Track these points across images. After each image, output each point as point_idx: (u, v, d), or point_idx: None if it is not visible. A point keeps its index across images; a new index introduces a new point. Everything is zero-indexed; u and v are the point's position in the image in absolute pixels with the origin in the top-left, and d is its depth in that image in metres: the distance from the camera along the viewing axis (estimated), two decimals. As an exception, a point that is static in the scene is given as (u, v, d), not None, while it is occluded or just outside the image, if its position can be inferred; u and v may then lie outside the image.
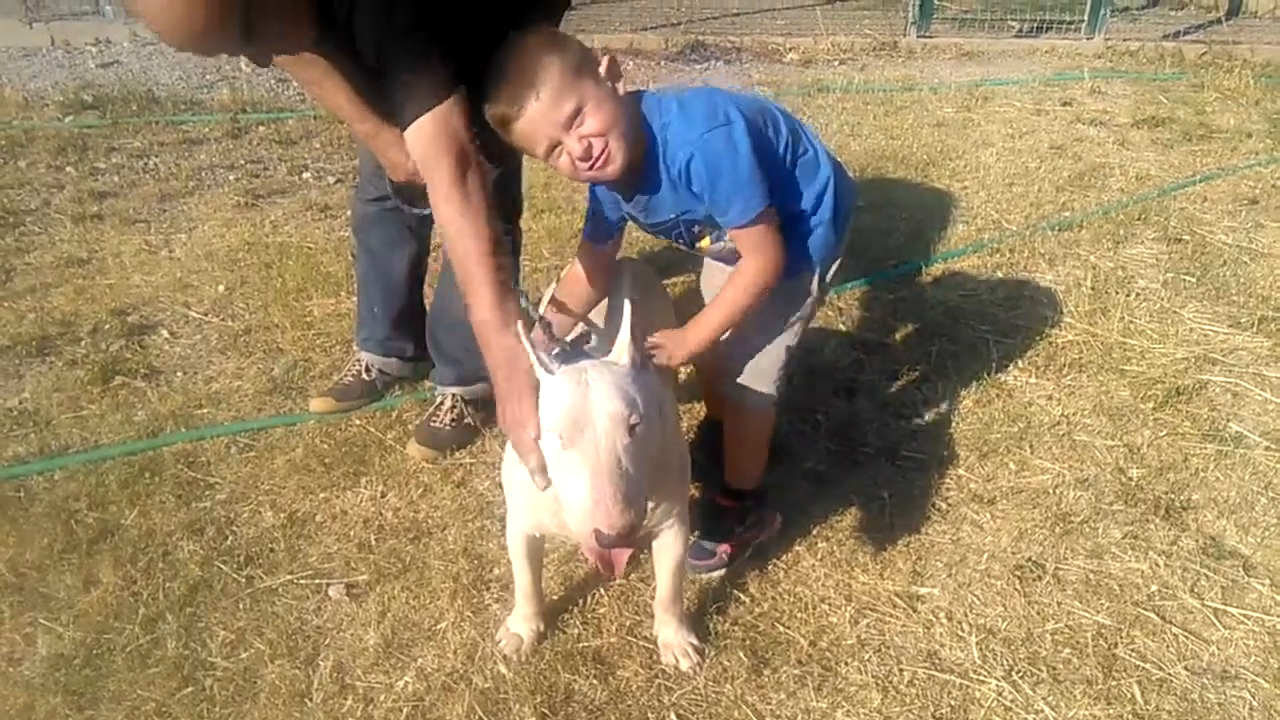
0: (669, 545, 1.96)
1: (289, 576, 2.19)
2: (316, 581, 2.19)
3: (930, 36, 6.92)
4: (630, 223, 2.04)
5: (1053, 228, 3.93)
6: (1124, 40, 6.91)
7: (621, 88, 1.80)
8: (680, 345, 1.93)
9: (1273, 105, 5.63)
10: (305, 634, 2.06)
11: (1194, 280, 3.52)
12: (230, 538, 2.30)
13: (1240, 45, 6.77)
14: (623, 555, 1.58)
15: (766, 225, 1.83)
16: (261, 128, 4.91)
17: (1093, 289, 3.44)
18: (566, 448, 1.51)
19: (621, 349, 1.67)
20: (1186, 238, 3.86)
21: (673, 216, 1.92)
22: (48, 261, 3.50)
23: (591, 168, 1.77)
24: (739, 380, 2.09)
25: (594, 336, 1.95)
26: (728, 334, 2.03)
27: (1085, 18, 6.98)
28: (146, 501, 2.40)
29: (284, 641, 2.03)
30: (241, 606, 2.12)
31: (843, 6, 8.16)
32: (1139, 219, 4.03)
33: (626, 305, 1.75)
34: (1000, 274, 3.58)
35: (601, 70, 1.76)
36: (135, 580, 2.17)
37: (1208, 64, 6.44)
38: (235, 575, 2.19)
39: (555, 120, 1.72)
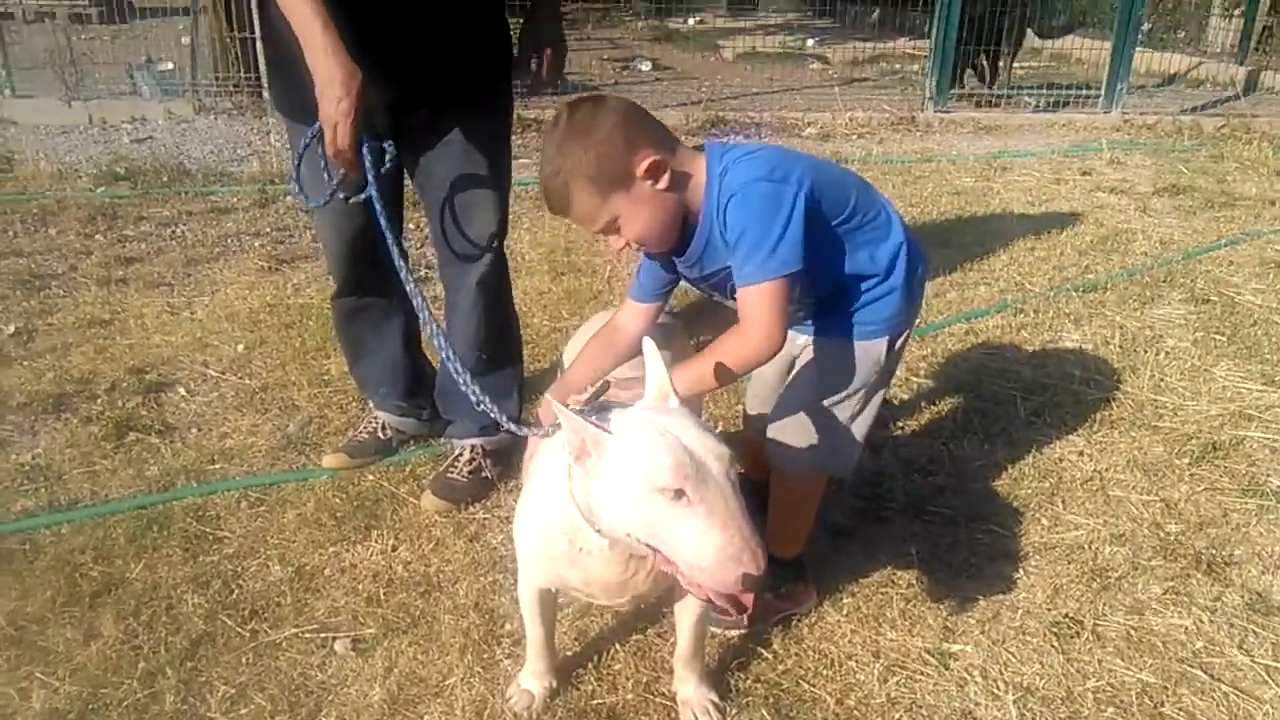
0: (690, 600, 1.87)
1: (294, 630, 2.12)
2: (322, 635, 2.11)
3: (947, 112, 7.00)
4: (680, 284, 2.02)
5: (1077, 289, 3.88)
6: (1141, 114, 6.97)
7: (665, 179, 1.76)
8: None
9: (1295, 175, 5.62)
10: (308, 689, 1.97)
11: (1224, 339, 3.45)
12: (236, 591, 2.24)
13: (1259, 118, 6.83)
14: (752, 595, 1.50)
15: (776, 296, 1.72)
16: (289, 197, 4.98)
17: (1121, 347, 3.38)
18: (691, 504, 1.42)
19: (664, 391, 1.62)
20: (1214, 299, 3.81)
21: (726, 266, 1.85)
22: (70, 323, 3.51)
23: (638, 250, 1.89)
24: (783, 441, 2.02)
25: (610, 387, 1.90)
26: (783, 394, 2.03)
27: (1102, 92, 7.04)
28: (153, 555, 2.34)
29: (285, 697, 1.95)
30: (244, 661, 2.04)
31: (860, 85, 8.31)
32: (1165, 281, 3.99)
33: (648, 344, 1.71)
34: (1025, 333, 3.52)
35: (639, 172, 1.74)
36: (137, 634, 2.10)
37: (1226, 136, 6.48)
38: (239, 629, 2.12)
39: (590, 230, 1.83)
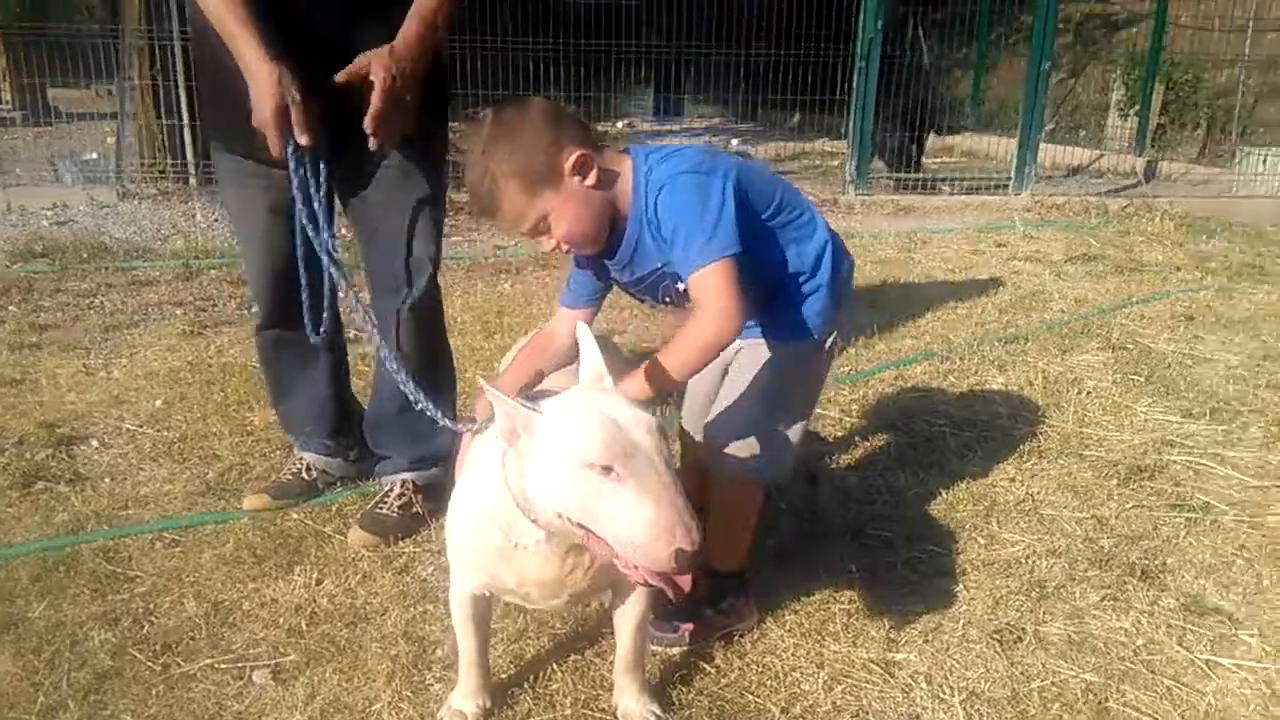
0: (631, 605, 1.81)
1: (208, 661, 1.99)
2: (239, 665, 1.99)
3: (868, 194, 7.26)
4: (612, 291, 2.02)
5: (999, 340, 3.98)
6: (1050, 195, 7.30)
7: (593, 176, 1.77)
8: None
9: (1196, 247, 5.92)
10: (223, 719, 1.85)
11: (1142, 379, 3.55)
12: (147, 627, 2.10)
13: (1160, 199, 7.19)
14: (689, 575, 1.45)
15: (725, 275, 1.72)
16: (214, 270, 4.91)
17: (1044, 389, 3.46)
18: (621, 479, 1.39)
19: (599, 374, 1.60)
20: (1130, 346, 3.94)
21: (657, 267, 1.87)
22: (-23, 383, 3.37)
23: (568, 252, 1.88)
24: (721, 448, 1.99)
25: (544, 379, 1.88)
26: (718, 400, 2.00)
27: (1011, 175, 7.39)
28: (58, 595, 2.20)
29: (199, 727, 1.82)
30: (154, 694, 1.91)
31: (786, 175, 8.57)
32: (1082, 333, 4.12)
33: (583, 329, 1.70)
34: (952, 378, 3.58)
35: (568, 167, 1.75)
36: (37, 670, 1.95)
37: (1131, 214, 6.81)
38: (149, 663, 1.99)
39: (519, 231, 1.82)
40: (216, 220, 5.98)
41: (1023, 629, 2.12)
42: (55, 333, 3.95)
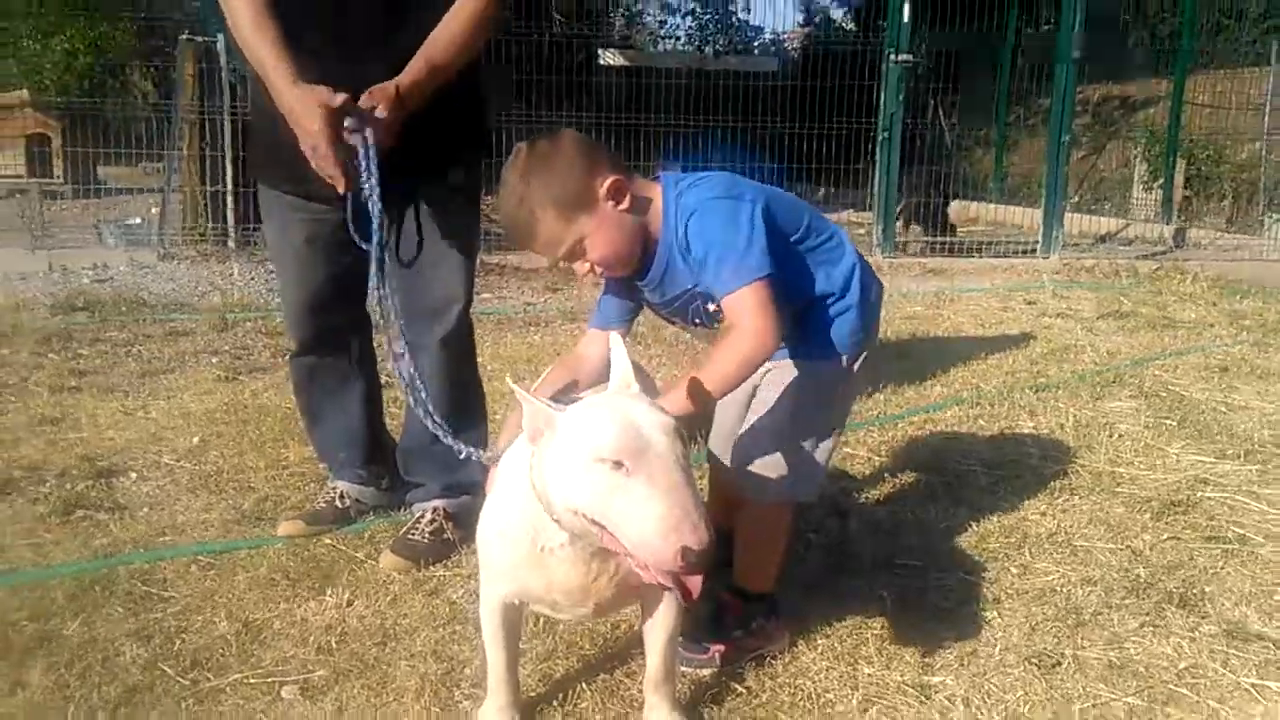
0: (660, 620, 1.80)
1: (238, 677, 2.00)
2: (269, 681, 1.99)
3: (895, 258, 7.32)
4: (644, 312, 2.07)
5: (1030, 388, 3.97)
6: (1079, 259, 7.32)
7: (627, 201, 1.83)
8: None
9: (1229, 306, 5.88)
10: (253, 731, 1.85)
11: (1175, 424, 3.52)
12: (178, 643, 2.11)
13: (1190, 262, 7.18)
14: (698, 578, 1.44)
15: (761, 295, 1.76)
16: (249, 323, 5.01)
17: (1075, 432, 3.44)
18: (631, 474, 1.40)
19: (626, 379, 1.63)
20: (1163, 394, 3.91)
21: (688, 289, 1.91)
22: (20, 422, 3.43)
23: (601, 275, 1.92)
24: (750, 469, 2.00)
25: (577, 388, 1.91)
26: (746, 421, 2.02)
27: (1039, 240, 7.43)
28: (93, 614, 2.21)
29: (228, 739, 1.82)
30: (183, 707, 1.90)
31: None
32: (1114, 382, 4.10)
33: (616, 340, 1.73)
34: (982, 422, 3.57)
35: (602, 193, 1.81)
36: (69, 684, 1.96)
37: (1162, 276, 6.78)
38: (179, 678, 1.99)
39: (555, 256, 1.87)
40: (253, 278, 6.12)
41: (1061, 654, 2.08)
42: (94, 377, 4.02)
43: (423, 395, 2.02)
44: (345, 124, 2.06)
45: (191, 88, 6.94)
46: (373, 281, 2.14)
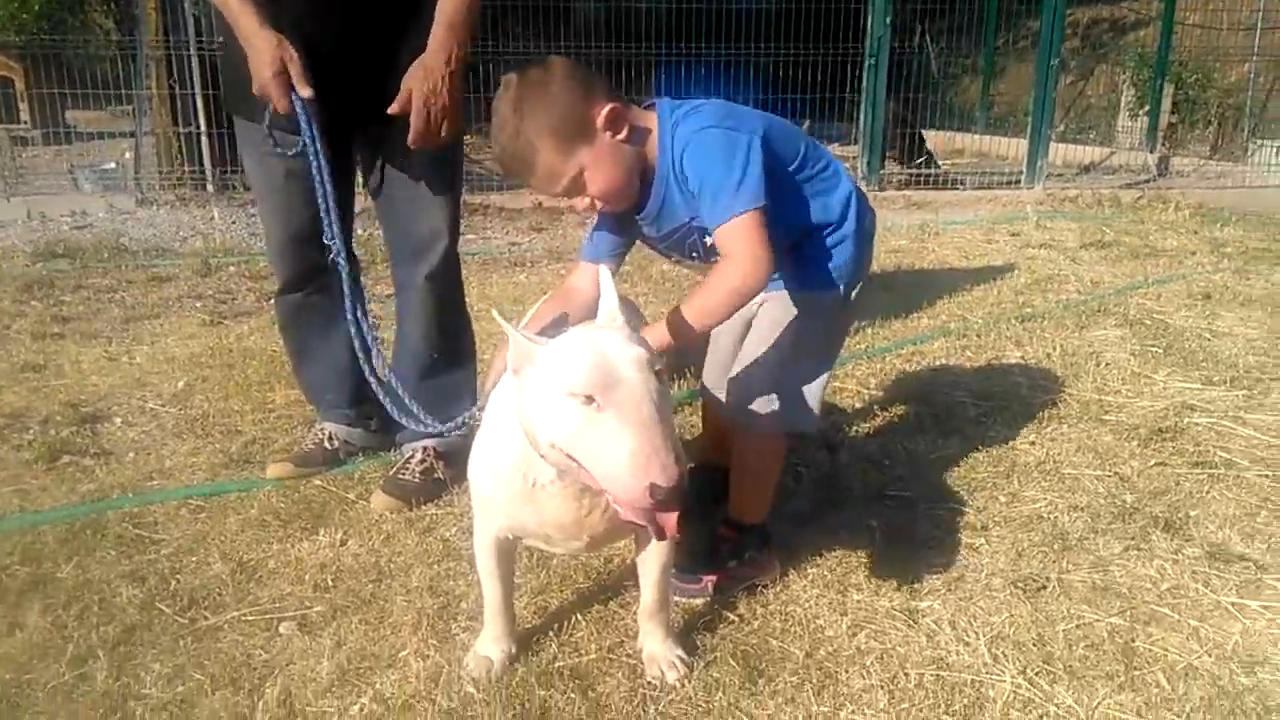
0: (653, 552, 1.82)
1: (235, 614, 2.01)
2: (266, 618, 2.00)
3: (880, 190, 7.27)
4: (636, 246, 2.04)
5: (1016, 319, 3.98)
6: (1062, 189, 7.30)
7: (625, 130, 1.79)
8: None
9: (1211, 233, 5.89)
10: (251, 666, 1.86)
11: (1161, 351, 3.54)
12: (174, 584, 2.12)
13: (1172, 191, 7.17)
14: (673, 516, 1.43)
15: (753, 226, 1.73)
16: (232, 267, 4.96)
17: (1062, 361, 3.46)
18: (602, 409, 1.38)
19: (611, 314, 1.61)
20: (1148, 322, 3.93)
21: (685, 222, 1.88)
22: (2, 370, 3.40)
23: (601, 209, 1.88)
24: (746, 401, 2.00)
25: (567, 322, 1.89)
26: (741, 353, 2.01)
27: (1023, 171, 7.39)
28: (86, 557, 2.22)
29: (226, 674, 1.83)
30: (181, 644, 1.92)
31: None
32: (1099, 311, 4.11)
33: (605, 273, 1.71)
34: (969, 354, 3.58)
35: (600, 121, 1.76)
36: (66, 625, 1.97)
37: (1144, 205, 6.78)
38: (177, 617, 2.00)
39: (554, 190, 1.81)
40: (234, 223, 6.03)
41: (1046, 578, 2.12)
42: (77, 324, 3.98)
43: (380, 368, 2.09)
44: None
45: (155, 22, 6.74)
46: (326, 236, 2.17)
